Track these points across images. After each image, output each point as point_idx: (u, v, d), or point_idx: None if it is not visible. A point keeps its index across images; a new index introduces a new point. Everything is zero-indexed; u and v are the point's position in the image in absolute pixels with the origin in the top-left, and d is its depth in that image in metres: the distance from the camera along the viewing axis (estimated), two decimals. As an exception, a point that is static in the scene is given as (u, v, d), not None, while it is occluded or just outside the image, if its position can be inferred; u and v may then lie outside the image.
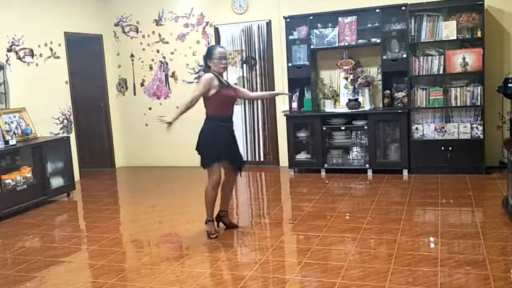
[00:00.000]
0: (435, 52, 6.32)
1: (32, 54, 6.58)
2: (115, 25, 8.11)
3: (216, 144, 4.27)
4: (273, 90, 7.34)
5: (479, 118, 6.17)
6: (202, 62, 7.66)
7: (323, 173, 6.72)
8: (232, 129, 4.46)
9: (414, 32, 6.30)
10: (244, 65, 7.50)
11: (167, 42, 7.86)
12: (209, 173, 4.32)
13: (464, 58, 6.09)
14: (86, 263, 4.07)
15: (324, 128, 6.67)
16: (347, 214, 4.92)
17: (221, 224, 4.66)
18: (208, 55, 4.38)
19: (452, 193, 5.42)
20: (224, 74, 4.76)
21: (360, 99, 6.66)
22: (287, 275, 3.52)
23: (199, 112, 4.47)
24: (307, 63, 6.85)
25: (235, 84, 4.14)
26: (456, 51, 6.14)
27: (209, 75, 4.30)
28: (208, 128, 4.34)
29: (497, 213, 4.61)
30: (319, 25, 6.79)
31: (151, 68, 8.02)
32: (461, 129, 6.18)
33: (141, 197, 6.26)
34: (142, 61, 8.05)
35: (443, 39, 6.16)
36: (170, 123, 4.06)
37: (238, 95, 4.54)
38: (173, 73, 7.89)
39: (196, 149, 4.38)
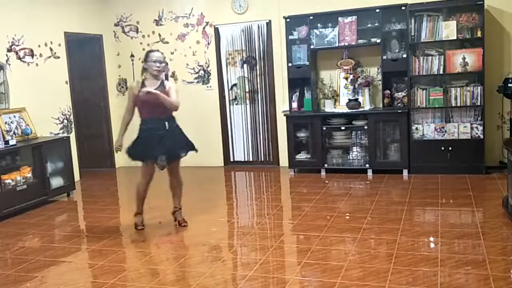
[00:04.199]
0: (435, 52, 6.31)
1: (32, 54, 6.58)
2: (115, 25, 8.11)
3: (139, 145, 4.53)
4: (273, 89, 7.35)
5: (479, 118, 6.16)
6: (202, 62, 7.69)
7: (323, 173, 6.72)
8: (163, 131, 4.52)
9: (414, 32, 6.30)
10: (245, 65, 7.51)
11: (167, 42, 7.86)
12: (142, 170, 4.69)
13: (464, 58, 6.09)
14: (86, 263, 4.07)
15: (324, 128, 6.67)
16: (347, 214, 4.92)
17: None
18: (145, 58, 4.67)
19: (452, 193, 5.42)
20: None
21: (360, 99, 6.66)
22: (287, 275, 3.52)
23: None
24: (307, 63, 6.85)
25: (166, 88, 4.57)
26: (456, 51, 6.14)
27: (131, 87, 4.66)
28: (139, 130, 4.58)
29: (497, 213, 4.61)
30: (319, 25, 6.79)
31: (151, 68, 8.00)
32: (461, 129, 6.18)
33: (141, 197, 6.25)
34: (142, 61, 8.02)
35: (443, 39, 6.16)
36: (120, 147, 4.68)
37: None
38: (173, 73, 7.88)
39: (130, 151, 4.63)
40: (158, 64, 4.59)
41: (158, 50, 4.88)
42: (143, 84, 4.55)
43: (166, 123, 4.53)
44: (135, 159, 4.67)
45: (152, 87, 4.50)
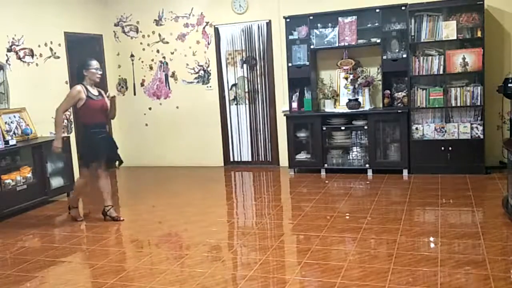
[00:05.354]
0: (435, 52, 6.31)
1: (32, 54, 6.58)
2: (115, 25, 8.11)
3: (92, 148, 4.91)
4: (273, 89, 7.35)
5: (479, 118, 6.16)
6: (202, 62, 7.68)
7: (323, 173, 6.72)
8: (105, 134, 5.07)
9: (414, 32, 6.30)
10: (245, 65, 7.51)
11: (167, 42, 7.86)
12: (88, 171, 5.03)
13: (464, 58, 6.09)
14: (86, 263, 4.07)
15: (324, 128, 6.67)
16: (347, 214, 4.92)
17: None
18: (85, 66, 4.88)
19: (452, 193, 5.43)
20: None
21: (360, 99, 6.66)
22: (287, 275, 3.53)
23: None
24: (307, 63, 6.85)
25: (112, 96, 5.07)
26: (456, 51, 6.14)
27: (76, 89, 4.82)
28: (85, 135, 4.96)
29: (497, 213, 4.61)
30: (319, 25, 6.79)
31: (151, 68, 8.02)
32: (461, 129, 6.18)
33: (141, 197, 6.25)
34: (142, 61, 8.04)
35: (443, 39, 6.16)
36: (61, 148, 5.04)
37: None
38: (173, 73, 7.89)
39: (79, 152, 5.07)
40: (99, 72, 4.94)
41: (94, 59, 5.14)
42: (87, 90, 4.84)
43: (106, 127, 5.08)
44: (91, 161, 4.97)
45: (94, 92, 4.91)
